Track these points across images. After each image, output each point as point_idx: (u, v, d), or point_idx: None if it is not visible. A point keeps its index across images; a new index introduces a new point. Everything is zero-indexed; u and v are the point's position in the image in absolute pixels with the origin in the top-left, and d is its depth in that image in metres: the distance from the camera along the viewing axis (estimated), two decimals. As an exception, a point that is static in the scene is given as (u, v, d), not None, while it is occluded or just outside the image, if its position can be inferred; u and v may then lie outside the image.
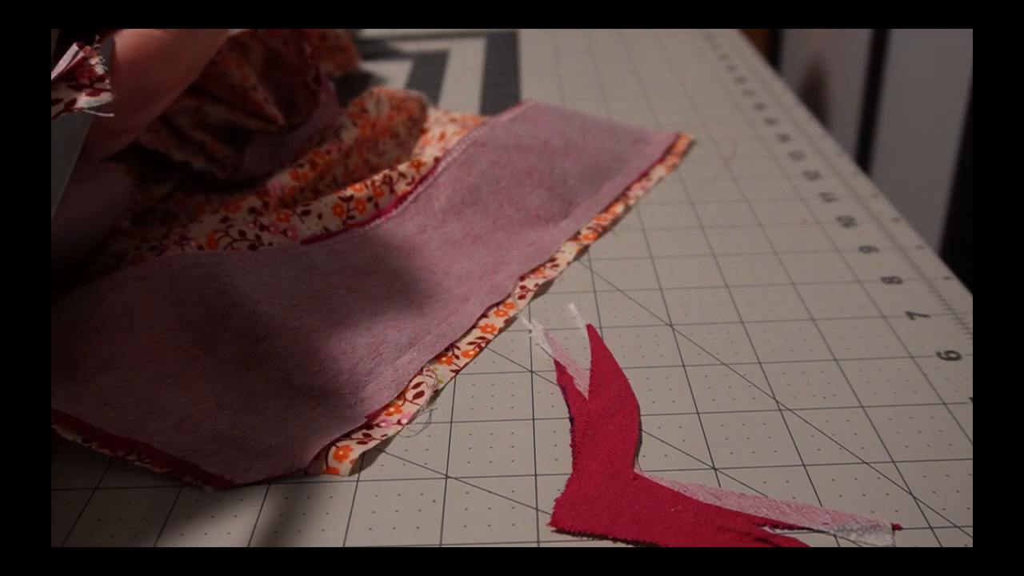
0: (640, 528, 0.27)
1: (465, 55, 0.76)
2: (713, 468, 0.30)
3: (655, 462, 0.30)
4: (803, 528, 0.27)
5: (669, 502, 0.28)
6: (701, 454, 0.30)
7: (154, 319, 0.35)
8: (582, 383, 0.34)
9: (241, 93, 0.49)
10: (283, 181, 0.45)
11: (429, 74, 0.71)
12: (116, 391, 0.32)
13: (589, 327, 0.37)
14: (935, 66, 0.98)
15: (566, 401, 0.33)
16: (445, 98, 0.66)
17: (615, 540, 0.27)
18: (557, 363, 0.35)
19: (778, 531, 0.27)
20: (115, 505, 0.29)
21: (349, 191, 0.43)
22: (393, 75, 0.71)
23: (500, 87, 0.68)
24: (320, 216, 0.41)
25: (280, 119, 0.50)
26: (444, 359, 0.36)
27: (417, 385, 0.34)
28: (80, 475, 0.30)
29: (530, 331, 0.37)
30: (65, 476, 0.30)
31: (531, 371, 0.35)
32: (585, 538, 0.27)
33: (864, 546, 0.26)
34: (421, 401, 0.33)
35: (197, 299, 0.35)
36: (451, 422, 0.32)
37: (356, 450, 0.30)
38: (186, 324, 0.35)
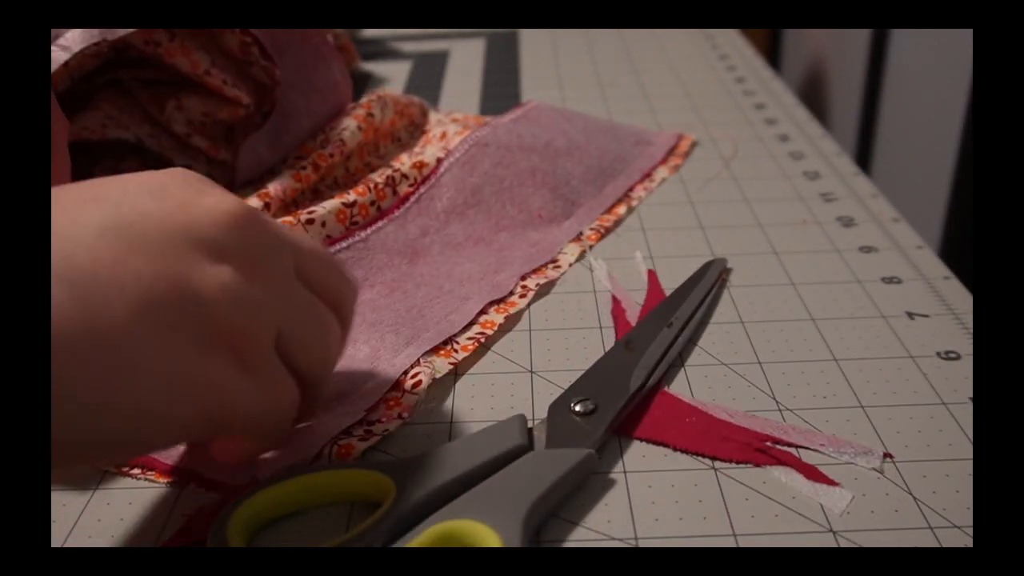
0: (655, 431, 0.31)
1: (465, 55, 0.76)
2: (713, 468, 0.30)
3: (655, 461, 0.30)
4: (801, 446, 0.30)
5: (687, 413, 0.32)
6: (701, 454, 0.30)
7: None
8: (632, 315, 0.38)
9: (198, 80, 0.48)
10: (285, 182, 0.45)
11: (429, 74, 0.71)
12: None
13: (650, 272, 0.42)
14: (935, 66, 0.98)
15: (615, 329, 0.37)
16: (445, 98, 0.66)
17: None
18: (613, 296, 0.40)
19: (778, 447, 0.30)
20: (115, 505, 0.29)
21: (352, 195, 0.43)
22: (393, 75, 0.71)
23: (500, 87, 0.68)
24: (324, 224, 0.41)
25: (244, 99, 0.49)
26: (442, 352, 0.36)
27: (415, 376, 0.34)
28: (80, 475, 0.30)
29: (592, 270, 0.41)
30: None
31: (531, 371, 0.35)
32: (585, 530, 0.27)
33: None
34: (420, 390, 0.33)
35: None
36: (451, 422, 0.32)
37: (359, 447, 0.30)
38: None
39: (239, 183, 0.49)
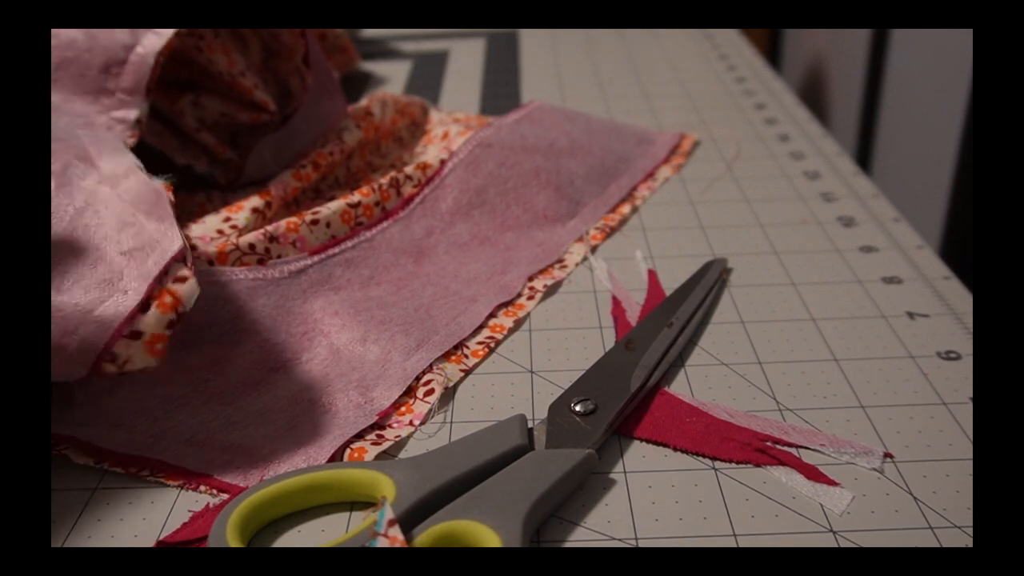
0: (656, 431, 0.31)
1: (465, 55, 0.76)
2: (713, 468, 0.30)
3: (656, 461, 0.30)
4: (801, 446, 0.30)
5: (687, 413, 0.32)
6: (701, 454, 0.30)
7: None
8: (632, 315, 0.38)
9: (229, 80, 0.49)
10: (286, 181, 0.45)
11: (429, 74, 0.71)
12: (127, 413, 0.32)
13: (650, 272, 0.41)
14: (935, 66, 0.98)
15: (615, 329, 0.37)
16: (445, 98, 0.66)
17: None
18: (614, 296, 0.39)
19: (778, 447, 0.30)
20: (115, 505, 0.29)
21: (357, 196, 0.43)
22: (393, 75, 0.71)
23: (500, 87, 0.68)
24: (328, 225, 0.41)
25: (271, 105, 0.49)
26: (454, 358, 0.36)
27: (427, 383, 0.34)
28: (80, 475, 0.30)
29: (592, 269, 0.41)
30: (65, 476, 0.30)
31: (531, 371, 0.35)
32: (585, 530, 0.27)
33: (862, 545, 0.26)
34: (432, 399, 0.33)
35: (209, 321, 0.35)
36: (451, 422, 0.32)
37: (371, 451, 0.31)
38: (197, 346, 0.35)
39: (242, 183, 0.49)
